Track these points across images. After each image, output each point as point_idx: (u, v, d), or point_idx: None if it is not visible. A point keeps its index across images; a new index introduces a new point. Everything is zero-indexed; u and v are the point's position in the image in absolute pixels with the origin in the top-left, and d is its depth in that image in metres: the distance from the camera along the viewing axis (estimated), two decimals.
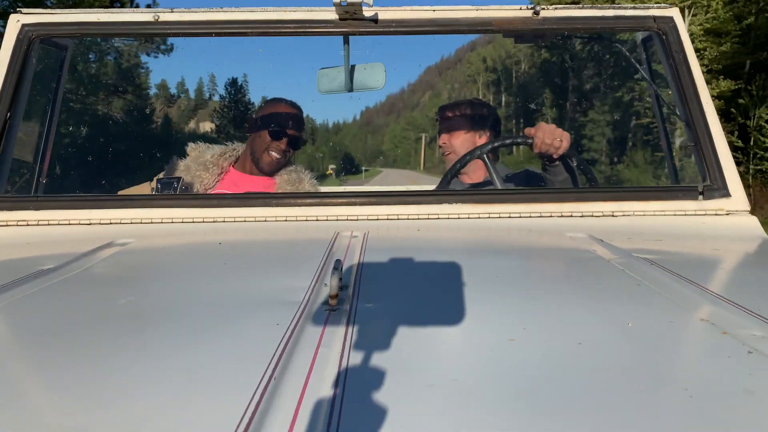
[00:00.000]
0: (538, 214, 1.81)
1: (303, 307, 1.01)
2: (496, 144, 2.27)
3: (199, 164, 2.52)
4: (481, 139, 2.65)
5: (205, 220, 1.79)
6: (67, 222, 1.80)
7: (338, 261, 1.10)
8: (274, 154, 2.55)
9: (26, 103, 2.02)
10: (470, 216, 1.81)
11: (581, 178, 2.28)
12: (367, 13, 1.98)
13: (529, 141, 2.15)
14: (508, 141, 2.32)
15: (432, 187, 2.21)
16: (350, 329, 0.92)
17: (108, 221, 1.80)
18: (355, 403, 0.70)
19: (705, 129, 1.90)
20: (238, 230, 1.77)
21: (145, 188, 2.41)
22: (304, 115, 2.65)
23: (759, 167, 21.15)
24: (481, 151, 2.22)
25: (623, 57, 2.23)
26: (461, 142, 2.62)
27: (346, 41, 2.13)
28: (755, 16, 21.91)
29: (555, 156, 2.13)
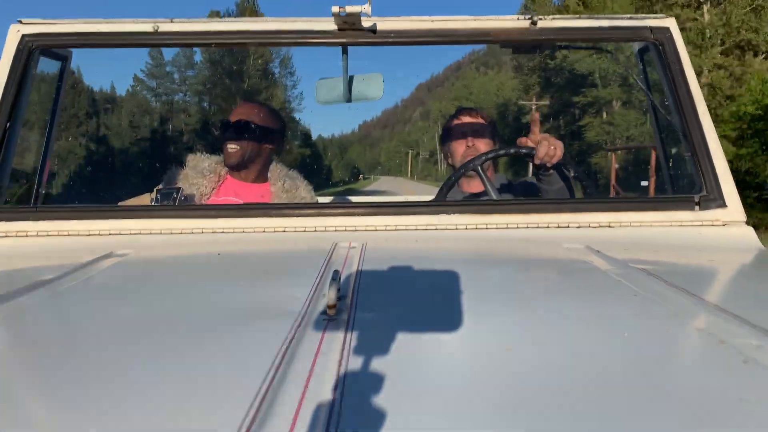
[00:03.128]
0: (536, 225, 1.81)
1: (301, 318, 1.01)
2: (490, 155, 2.26)
3: (197, 172, 2.54)
4: (496, 147, 2.63)
5: (204, 230, 1.80)
6: (66, 233, 1.79)
7: (336, 271, 1.10)
8: (229, 146, 2.58)
9: (26, 113, 2.03)
10: (468, 227, 1.81)
11: (577, 187, 2.28)
12: (366, 23, 1.99)
13: (524, 151, 2.15)
14: (502, 152, 2.32)
15: (429, 197, 2.21)
16: (348, 339, 0.92)
17: (107, 232, 1.79)
18: (353, 413, 0.71)
19: (701, 139, 1.90)
20: (237, 241, 1.77)
21: (145, 199, 2.42)
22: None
23: None
24: (475, 162, 2.22)
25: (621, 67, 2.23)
26: (485, 146, 2.59)
27: (345, 51, 2.14)
28: None
29: (549, 164, 2.13)
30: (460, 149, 2.63)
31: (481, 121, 2.67)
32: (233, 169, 2.62)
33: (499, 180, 2.60)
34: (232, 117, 2.61)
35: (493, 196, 2.19)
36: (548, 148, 2.10)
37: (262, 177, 2.65)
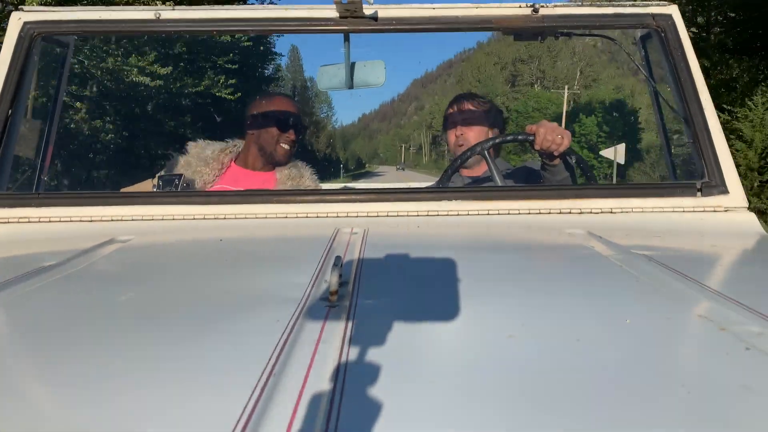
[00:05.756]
0: (537, 211, 1.81)
1: (303, 304, 1.02)
2: (497, 140, 2.26)
3: (199, 160, 2.53)
4: (492, 134, 2.64)
5: (206, 217, 1.80)
6: (68, 219, 1.80)
7: (338, 257, 1.10)
8: (285, 145, 2.61)
9: (27, 100, 2.03)
10: (470, 213, 1.81)
11: (580, 177, 2.28)
12: (368, 11, 1.98)
13: (531, 138, 2.15)
14: (509, 137, 2.32)
15: (430, 183, 2.21)
16: (350, 325, 0.92)
17: (109, 218, 1.80)
18: (355, 398, 0.71)
19: (704, 126, 1.89)
20: (239, 227, 1.77)
21: (147, 185, 2.41)
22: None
23: None
24: (482, 147, 2.22)
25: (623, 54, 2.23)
26: (476, 135, 2.61)
27: (347, 39, 2.14)
28: None
29: (556, 153, 2.13)
30: (451, 138, 2.69)
31: (473, 108, 2.68)
32: (283, 165, 2.65)
33: (500, 165, 2.60)
34: (278, 109, 2.64)
35: (498, 180, 2.19)
36: (545, 134, 2.11)
37: (270, 165, 2.65)
